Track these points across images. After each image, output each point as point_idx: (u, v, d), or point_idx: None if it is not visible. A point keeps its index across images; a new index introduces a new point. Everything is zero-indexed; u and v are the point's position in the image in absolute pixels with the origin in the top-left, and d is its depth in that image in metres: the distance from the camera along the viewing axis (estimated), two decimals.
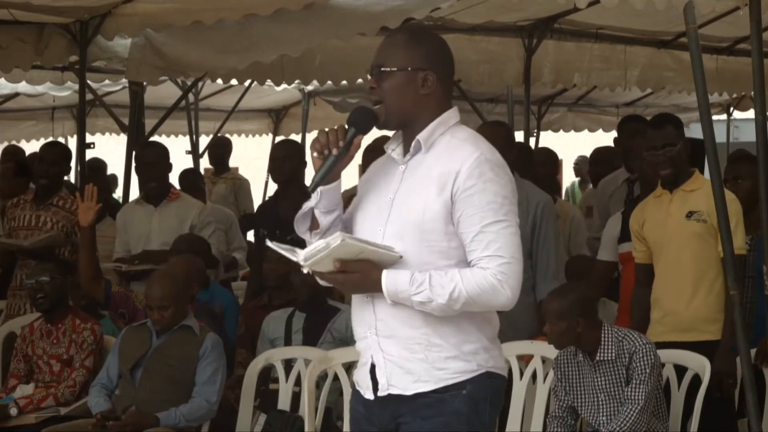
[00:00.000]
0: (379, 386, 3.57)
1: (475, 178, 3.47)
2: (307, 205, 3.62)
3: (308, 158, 7.70)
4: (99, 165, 11.44)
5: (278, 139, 13.77)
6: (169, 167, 7.92)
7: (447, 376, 3.52)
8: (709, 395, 5.27)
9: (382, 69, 3.56)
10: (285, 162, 7.38)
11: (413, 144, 3.58)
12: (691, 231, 5.50)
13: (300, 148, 7.69)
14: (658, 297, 5.65)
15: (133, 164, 7.98)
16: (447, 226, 3.50)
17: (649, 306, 5.68)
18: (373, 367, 3.58)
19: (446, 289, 3.43)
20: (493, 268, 3.45)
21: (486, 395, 3.56)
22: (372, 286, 3.48)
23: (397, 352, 3.54)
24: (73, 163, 10.35)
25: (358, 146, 3.55)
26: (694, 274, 5.52)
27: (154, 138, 9.45)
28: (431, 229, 3.50)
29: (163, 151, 7.68)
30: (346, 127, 3.55)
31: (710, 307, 5.49)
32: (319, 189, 3.56)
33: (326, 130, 3.54)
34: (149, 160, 7.58)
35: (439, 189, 3.50)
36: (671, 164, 5.58)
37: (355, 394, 3.70)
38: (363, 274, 3.47)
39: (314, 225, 3.63)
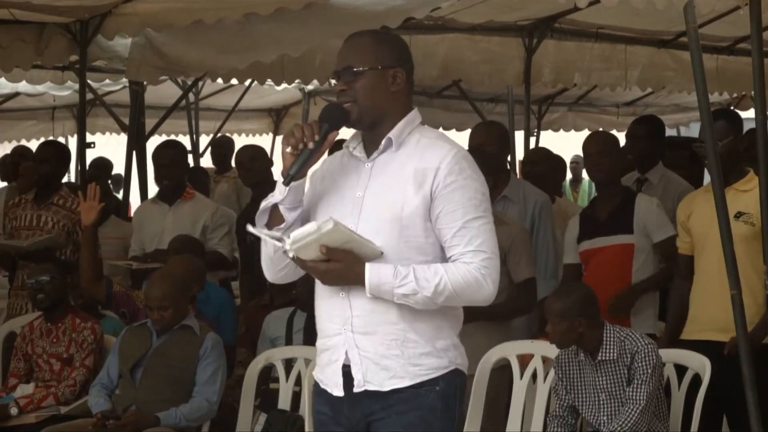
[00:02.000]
0: (355, 383, 3.58)
1: (456, 175, 3.53)
2: (269, 201, 3.62)
3: (275, 157, 7.82)
4: (104, 163, 11.46)
5: (278, 138, 13.79)
6: (187, 167, 7.97)
7: (422, 372, 3.56)
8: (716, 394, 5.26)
9: (354, 69, 3.59)
10: (254, 163, 7.50)
11: (383, 142, 3.62)
12: (737, 232, 5.34)
13: (263, 149, 7.78)
14: (697, 294, 5.63)
15: (151, 162, 7.99)
16: (425, 222, 3.54)
17: (688, 300, 5.67)
18: (345, 364, 3.59)
19: (431, 282, 3.47)
20: (477, 262, 3.50)
21: (455, 392, 3.62)
22: (353, 278, 3.50)
23: (372, 348, 3.56)
24: (72, 164, 10.40)
25: (332, 142, 3.58)
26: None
27: (155, 137, 9.47)
28: (409, 224, 3.53)
29: (181, 152, 7.73)
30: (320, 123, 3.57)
31: (748, 309, 5.39)
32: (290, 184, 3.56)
33: (298, 126, 3.56)
34: (166, 160, 7.61)
35: (417, 185, 3.53)
36: None
37: (319, 395, 3.70)
38: (346, 264, 3.48)
39: (273, 221, 3.62)
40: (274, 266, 3.70)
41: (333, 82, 3.65)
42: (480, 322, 5.39)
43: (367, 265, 3.48)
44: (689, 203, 5.78)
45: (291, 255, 3.49)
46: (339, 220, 3.50)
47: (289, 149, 3.54)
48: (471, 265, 3.49)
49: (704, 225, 5.56)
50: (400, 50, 3.68)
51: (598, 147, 6.24)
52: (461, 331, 3.71)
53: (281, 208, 3.60)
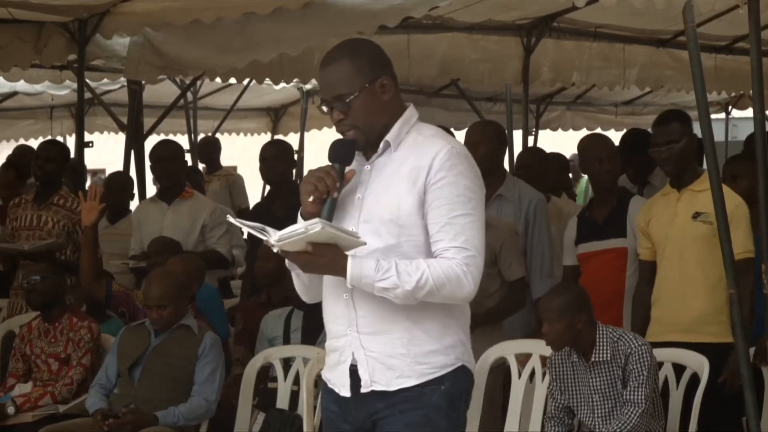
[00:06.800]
0: (362, 383, 3.58)
1: (446, 171, 3.52)
2: None
3: (296, 157, 7.71)
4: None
5: (277, 137, 13.78)
6: (184, 165, 7.94)
7: (428, 370, 3.56)
8: (715, 394, 5.25)
9: (347, 100, 3.57)
10: (276, 162, 7.45)
11: (382, 145, 3.62)
12: (696, 232, 5.45)
13: (290, 148, 7.75)
14: (659, 296, 5.62)
15: (148, 161, 7.97)
16: (422, 220, 3.54)
17: (650, 304, 5.67)
18: (353, 365, 3.59)
19: (413, 277, 3.46)
20: (459, 259, 3.49)
21: (461, 392, 3.62)
22: (336, 270, 3.49)
23: (378, 348, 3.56)
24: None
25: (350, 178, 3.58)
26: (696, 275, 5.48)
27: (153, 136, 9.46)
28: (408, 223, 3.53)
29: (177, 149, 7.71)
30: (331, 164, 3.56)
31: (711, 309, 5.44)
32: None
33: (317, 176, 3.51)
34: (163, 157, 7.59)
35: (411, 184, 3.54)
36: (674, 161, 5.55)
37: (327, 393, 3.70)
38: (329, 258, 3.47)
39: None
40: (310, 291, 3.71)
41: (324, 109, 3.62)
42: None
43: (350, 259, 3.48)
44: (648, 209, 5.77)
45: (276, 250, 3.49)
46: (338, 223, 3.51)
47: (311, 198, 3.52)
48: (453, 261, 3.48)
49: (663, 228, 5.59)
50: (376, 56, 3.65)
51: (607, 152, 6.15)
52: None
53: None
